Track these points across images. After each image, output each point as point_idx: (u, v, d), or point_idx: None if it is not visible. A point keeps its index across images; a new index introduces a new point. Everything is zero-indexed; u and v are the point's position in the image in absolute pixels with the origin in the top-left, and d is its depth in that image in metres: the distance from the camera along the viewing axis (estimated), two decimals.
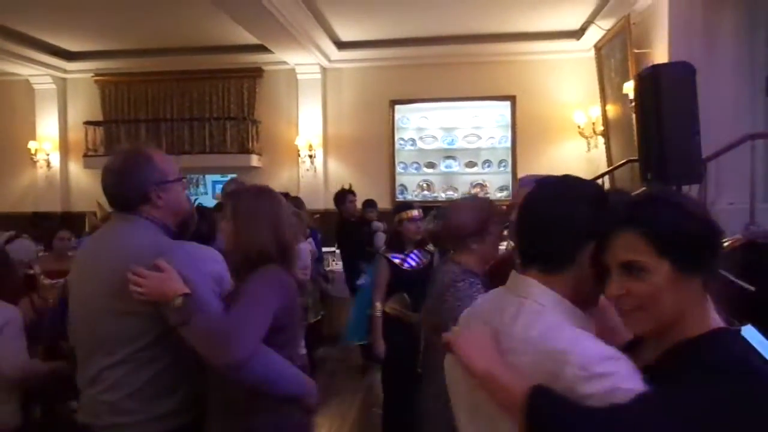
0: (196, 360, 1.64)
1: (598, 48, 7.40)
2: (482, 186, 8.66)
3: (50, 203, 8.88)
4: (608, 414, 0.96)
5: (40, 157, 9.10)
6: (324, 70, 8.57)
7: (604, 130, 7.50)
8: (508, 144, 8.53)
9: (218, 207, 2.46)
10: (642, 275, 1.03)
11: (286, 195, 3.30)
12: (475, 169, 8.72)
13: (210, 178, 9.61)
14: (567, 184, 1.24)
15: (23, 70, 8.78)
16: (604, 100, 7.40)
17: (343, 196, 6.37)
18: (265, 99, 8.82)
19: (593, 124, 7.82)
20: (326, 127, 8.65)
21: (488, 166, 8.69)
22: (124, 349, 1.67)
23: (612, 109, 7.18)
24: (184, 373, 1.73)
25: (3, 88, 9.24)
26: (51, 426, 2.93)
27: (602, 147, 7.63)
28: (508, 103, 8.44)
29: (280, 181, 8.34)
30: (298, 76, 8.50)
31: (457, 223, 2.29)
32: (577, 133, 8.08)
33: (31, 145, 9.06)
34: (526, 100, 8.25)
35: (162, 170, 1.80)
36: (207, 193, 9.12)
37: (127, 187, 1.77)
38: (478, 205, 2.36)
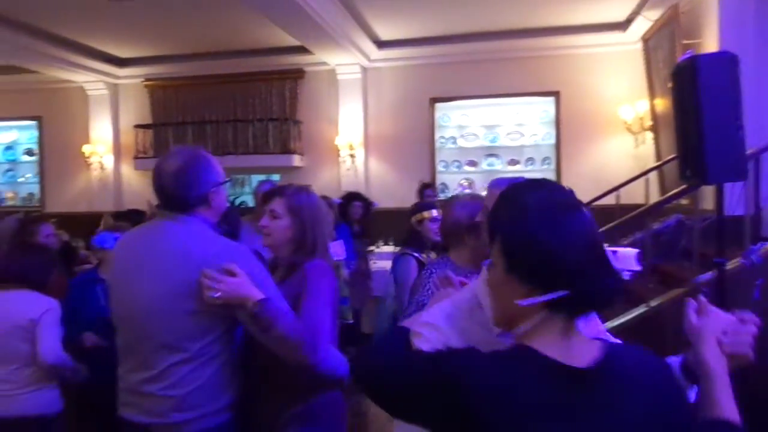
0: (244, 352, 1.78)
1: (645, 39, 7.13)
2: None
3: (103, 204, 9.22)
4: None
5: (94, 160, 9.49)
6: (364, 69, 8.60)
7: (652, 125, 7.23)
8: (553, 141, 8.34)
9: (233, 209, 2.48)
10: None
11: None
12: (518, 167, 8.57)
13: (255, 178, 9.80)
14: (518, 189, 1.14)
15: (78, 77, 9.17)
16: (652, 94, 7.13)
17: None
18: (307, 100, 8.92)
19: (641, 119, 7.54)
20: (367, 127, 8.68)
21: (531, 164, 8.53)
22: (192, 347, 1.71)
23: (660, 103, 6.90)
24: (236, 365, 1.83)
25: (60, 95, 9.67)
26: (90, 415, 3.05)
27: (650, 143, 7.36)
28: (552, 99, 8.25)
29: (321, 180, 8.42)
30: (339, 77, 8.55)
31: (452, 219, 2.28)
32: (624, 129, 7.82)
33: (86, 148, 9.45)
34: (570, 96, 8.05)
35: (218, 172, 1.87)
36: (249, 193, 9.28)
37: (189, 189, 1.79)
38: (473, 202, 2.33)
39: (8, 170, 10.45)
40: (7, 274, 2.82)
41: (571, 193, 1.08)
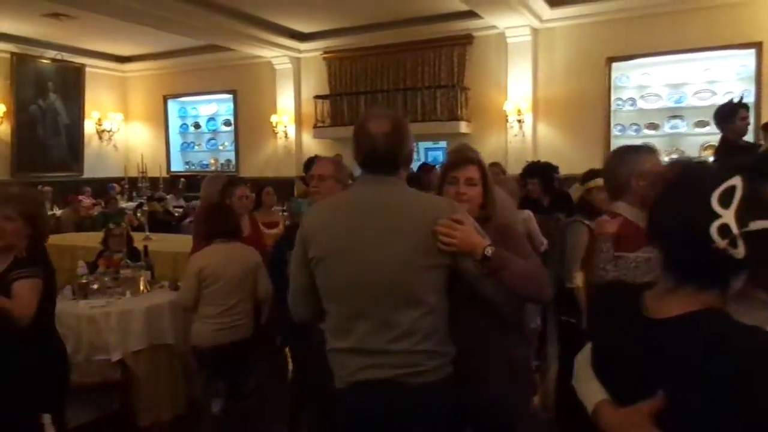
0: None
1: None
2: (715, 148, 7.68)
3: (288, 169, 10.14)
4: None
5: (280, 129, 10.45)
6: (535, 31, 8.32)
7: None
8: (752, 98, 7.38)
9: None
10: None
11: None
12: (707, 129, 7.75)
13: (422, 145, 10.07)
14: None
15: (266, 53, 10.09)
16: None
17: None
18: (475, 66, 8.88)
19: None
20: (536, 91, 8.43)
21: None
22: (431, 299, 1.78)
23: None
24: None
25: (251, 69, 10.73)
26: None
27: None
28: (752, 51, 7.30)
29: (487, 146, 8.40)
30: (508, 40, 8.38)
31: (607, 172, 2.35)
32: None
33: (273, 118, 10.44)
34: None
35: (412, 135, 1.96)
36: (420, 160, 9.55)
37: (400, 150, 1.83)
38: (627, 158, 2.33)
39: (210, 139, 11.92)
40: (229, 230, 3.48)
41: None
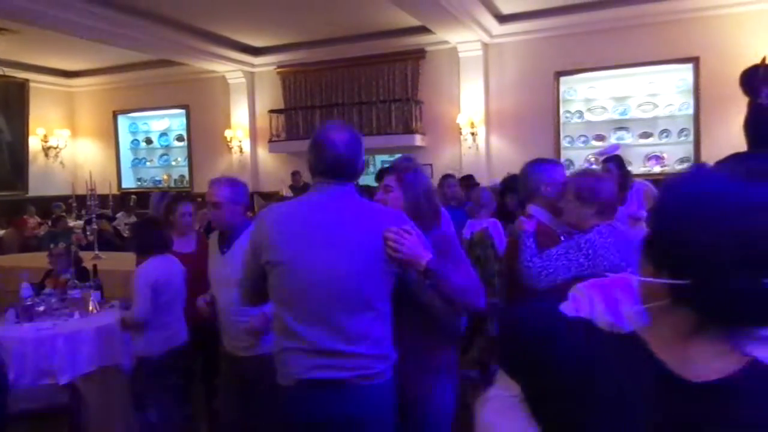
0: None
1: None
2: (660, 158, 8.01)
3: None
4: None
5: (234, 144, 10.34)
6: (485, 46, 8.52)
7: None
8: (690, 111, 7.76)
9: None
10: None
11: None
12: (650, 140, 8.10)
13: (378, 158, 10.12)
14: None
15: (220, 68, 10.00)
16: None
17: None
18: (428, 79, 9.02)
19: None
20: (488, 104, 8.61)
21: (666, 136, 8.01)
22: (380, 305, 1.86)
23: None
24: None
25: (205, 84, 10.60)
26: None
27: None
28: (690, 66, 7.67)
29: (443, 159, 8.53)
30: (460, 55, 8.55)
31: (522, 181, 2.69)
32: None
33: (227, 133, 10.33)
34: (711, 61, 7.42)
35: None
36: (373, 173, 9.59)
37: (358, 158, 1.93)
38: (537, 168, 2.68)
39: (163, 155, 11.69)
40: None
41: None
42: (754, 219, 0.78)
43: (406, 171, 2.22)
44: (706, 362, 0.84)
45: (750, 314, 0.80)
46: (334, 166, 1.88)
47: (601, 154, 5.80)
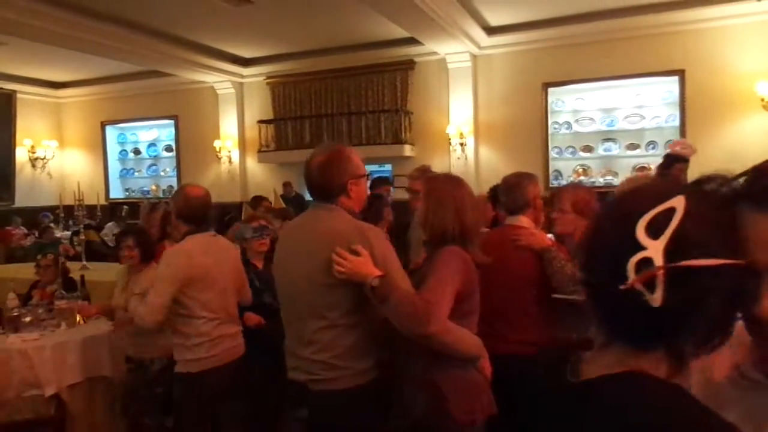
0: (385, 329, 1.99)
1: None
2: (645, 168, 8.08)
3: (231, 194, 9.99)
4: None
5: (224, 154, 10.32)
6: (474, 57, 8.59)
7: None
8: (677, 123, 7.84)
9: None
10: None
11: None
12: (637, 152, 8.17)
13: (368, 167, 10.12)
14: None
15: (209, 78, 9.99)
16: None
17: None
18: (417, 90, 9.07)
19: None
20: (477, 115, 8.67)
21: (653, 148, 8.08)
22: (331, 315, 1.99)
23: None
24: (376, 339, 2.08)
25: (193, 94, 10.59)
26: None
27: None
28: (675, 78, 7.76)
29: (432, 169, 8.53)
30: (449, 65, 8.61)
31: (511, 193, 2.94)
32: (760, 107, 7.20)
33: (216, 143, 10.30)
34: (697, 74, 7.52)
35: (357, 165, 2.12)
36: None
37: (331, 180, 2.05)
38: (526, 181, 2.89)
39: (151, 165, 11.63)
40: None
41: None
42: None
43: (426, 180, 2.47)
44: (594, 369, 0.81)
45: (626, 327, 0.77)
46: (311, 188, 2.12)
47: None
